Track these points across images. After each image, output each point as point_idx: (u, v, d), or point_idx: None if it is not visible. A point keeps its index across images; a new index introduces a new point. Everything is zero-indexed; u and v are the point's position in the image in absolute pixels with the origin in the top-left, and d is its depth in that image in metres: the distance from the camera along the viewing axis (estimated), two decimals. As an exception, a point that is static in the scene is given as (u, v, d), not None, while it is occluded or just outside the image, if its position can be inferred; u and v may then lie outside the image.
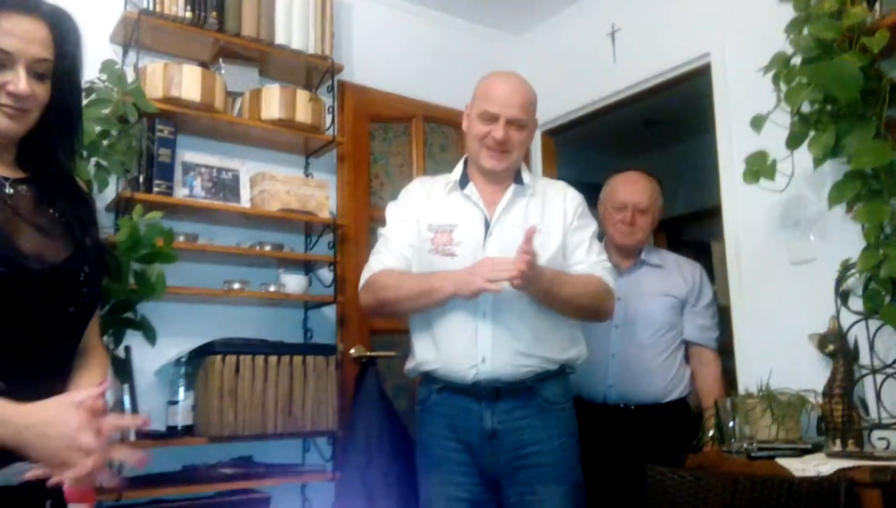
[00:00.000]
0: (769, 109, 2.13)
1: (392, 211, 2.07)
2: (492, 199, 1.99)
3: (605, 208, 2.64)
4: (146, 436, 2.28)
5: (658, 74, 3.01)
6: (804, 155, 2.11)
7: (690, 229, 5.22)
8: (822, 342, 2.15)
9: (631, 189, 2.60)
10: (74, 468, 1.07)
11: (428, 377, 1.96)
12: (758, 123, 2.13)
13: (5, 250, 1.12)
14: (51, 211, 1.25)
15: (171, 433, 2.36)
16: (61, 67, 1.22)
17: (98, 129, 2.01)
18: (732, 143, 2.61)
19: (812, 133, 2.01)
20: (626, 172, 2.70)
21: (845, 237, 2.17)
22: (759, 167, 2.18)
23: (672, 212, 4.43)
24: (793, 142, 2.07)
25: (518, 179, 2.02)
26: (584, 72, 3.31)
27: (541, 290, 1.81)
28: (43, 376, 1.18)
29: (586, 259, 1.99)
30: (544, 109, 3.33)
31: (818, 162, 2.02)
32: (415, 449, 2.04)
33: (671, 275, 2.60)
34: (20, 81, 1.16)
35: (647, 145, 5.03)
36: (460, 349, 1.86)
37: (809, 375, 2.19)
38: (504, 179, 2.00)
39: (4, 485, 1.08)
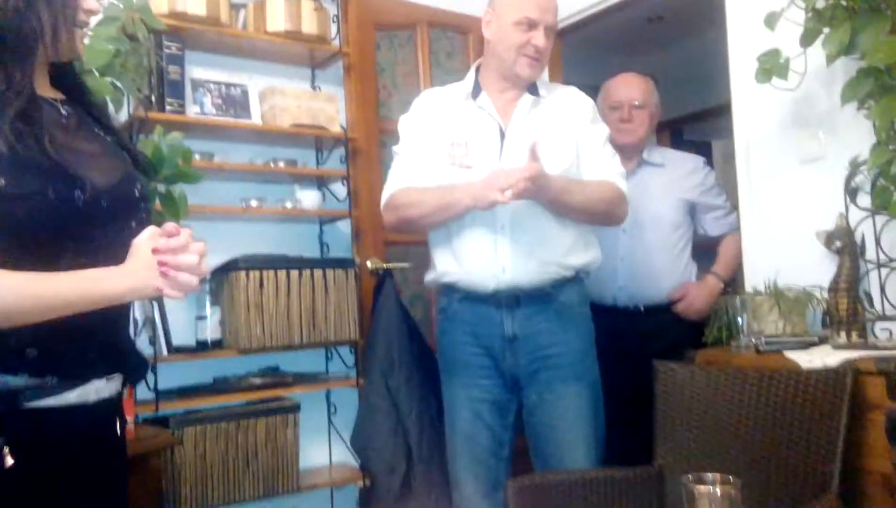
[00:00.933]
0: (782, 6, 2.10)
1: (405, 126, 2.07)
2: (505, 109, 1.99)
3: (602, 110, 2.63)
4: (178, 350, 2.38)
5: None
6: (816, 52, 2.09)
7: (692, 129, 5.21)
8: (829, 238, 2.20)
9: (625, 87, 2.64)
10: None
11: (449, 288, 2.02)
12: (771, 20, 2.10)
13: (79, 172, 1.14)
14: (96, 131, 1.27)
15: (201, 346, 2.46)
16: None
17: (111, 48, 1.99)
18: (743, 40, 2.58)
19: (826, 30, 1.99)
20: (621, 73, 2.71)
21: (855, 135, 2.18)
22: (772, 65, 2.16)
23: (675, 112, 4.41)
24: (807, 38, 2.05)
25: (532, 88, 2.02)
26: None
27: (551, 198, 1.85)
28: None
29: (599, 165, 2.01)
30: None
31: (831, 59, 2.01)
32: (433, 356, 2.13)
33: (675, 173, 2.64)
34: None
35: (651, 44, 4.94)
36: (481, 260, 1.91)
37: (816, 271, 2.25)
38: (516, 87, 2.00)
39: (82, 403, 1.14)
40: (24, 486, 1.10)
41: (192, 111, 2.52)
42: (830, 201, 2.24)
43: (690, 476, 0.80)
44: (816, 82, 2.29)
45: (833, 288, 2.14)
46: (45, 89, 1.23)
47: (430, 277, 2.08)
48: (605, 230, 2.54)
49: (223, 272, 2.44)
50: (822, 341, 2.06)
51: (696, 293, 2.59)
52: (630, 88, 2.63)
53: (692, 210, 2.65)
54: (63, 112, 1.23)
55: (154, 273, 1.12)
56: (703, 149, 4.48)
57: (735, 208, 2.66)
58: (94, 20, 1.64)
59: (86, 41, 1.35)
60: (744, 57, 2.55)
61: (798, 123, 2.42)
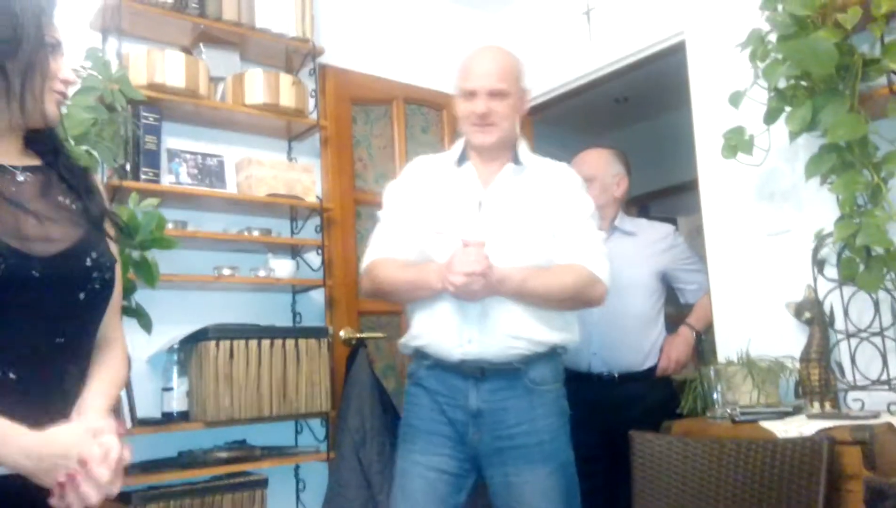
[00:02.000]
0: (744, 86, 2.19)
1: (390, 192, 2.07)
2: (488, 178, 1.98)
3: None
4: (142, 423, 2.31)
5: (634, 53, 3.07)
6: (779, 129, 2.18)
7: (659, 205, 5.33)
8: (798, 309, 2.24)
9: (577, 164, 2.65)
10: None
11: (419, 353, 1.97)
12: (736, 99, 2.20)
13: (9, 240, 1.12)
14: (59, 199, 1.26)
15: (167, 419, 2.38)
16: None
17: (88, 117, 2.00)
18: (708, 118, 2.68)
19: (788, 108, 2.08)
20: (585, 149, 2.81)
21: (819, 208, 2.25)
22: (737, 142, 2.25)
23: (642, 189, 4.52)
24: (770, 117, 2.14)
25: (515, 158, 2.00)
26: (561, 50, 3.35)
27: (511, 290, 1.82)
28: (59, 365, 1.18)
29: (575, 243, 1.95)
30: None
31: (794, 136, 2.09)
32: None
33: (647, 240, 2.70)
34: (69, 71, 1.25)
35: (618, 123, 5.12)
36: (449, 327, 1.86)
37: (787, 342, 2.29)
38: (500, 157, 1.98)
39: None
40: None
41: (168, 180, 2.51)
42: (798, 272, 2.29)
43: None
44: (780, 158, 2.38)
45: (805, 358, 2.16)
46: (8, 154, 1.22)
47: (403, 339, 2.04)
48: None
49: (192, 342, 2.39)
50: (797, 410, 2.07)
51: (671, 347, 2.62)
52: (581, 164, 2.67)
53: (665, 278, 2.69)
54: (20, 179, 1.22)
55: (60, 470, 1.06)
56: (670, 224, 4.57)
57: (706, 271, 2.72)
58: (72, 89, 1.66)
59: (63, 110, 1.35)
60: (708, 134, 2.65)
61: (764, 197, 2.50)
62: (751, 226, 2.54)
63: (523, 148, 2.03)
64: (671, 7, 2.89)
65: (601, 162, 2.75)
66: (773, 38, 2.12)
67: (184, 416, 2.40)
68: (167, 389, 2.40)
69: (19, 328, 1.13)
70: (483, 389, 1.84)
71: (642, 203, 5.19)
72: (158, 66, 2.42)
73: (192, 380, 2.41)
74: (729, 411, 2.10)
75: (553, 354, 1.93)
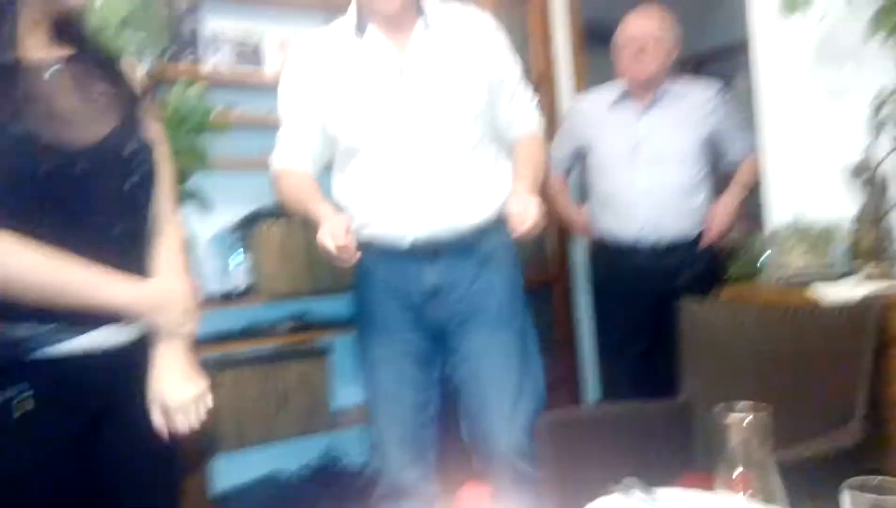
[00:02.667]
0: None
1: (285, 81, 1.85)
2: (400, 43, 1.76)
3: (617, 46, 2.64)
4: (209, 299, 2.44)
5: None
6: (842, -18, 2.06)
7: (712, 66, 5.11)
8: (855, 171, 2.20)
9: (638, 22, 2.60)
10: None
11: (362, 243, 1.76)
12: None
13: (46, 135, 1.14)
14: (90, 89, 1.25)
15: (231, 295, 2.51)
16: None
17: (128, 3, 1.99)
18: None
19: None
20: (638, 8, 2.68)
21: (881, 68, 2.15)
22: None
23: (694, 49, 4.33)
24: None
25: (422, 15, 1.78)
26: None
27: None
28: (118, 255, 1.22)
29: (518, 110, 1.89)
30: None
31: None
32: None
33: (691, 105, 2.62)
34: None
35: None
36: (395, 214, 1.76)
37: (841, 206, 2.25)
38: (406, 19, 1.76)
39: (93, 350, 1.17)
40: (47, 433, 1.14)
41: (209, 63, 2.51)
42: (855, 134, 2.22)
43: (722, 405, 0.83)
44: (841, 15, 2.25)
45: (858, 221, 2.14)
46: (36, 48, 1.21)
47: None
48: (622, 163, 2.55)
49: (250, 222, 2.48)
50: (848, 274, 2.07)
51: (713, 215, 2.60)
52: (643, 22, 2.59)
53: (711, 141, 2.63)
54: (49, 73, 1.20)
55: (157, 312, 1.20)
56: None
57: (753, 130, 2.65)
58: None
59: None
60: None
61: (823, 56, 2.38)
62: (808, 86, 2.44)
63: (428, 2, 1.81)
64: None
65: (664, 25, 2.63)
66: None
67: (246, 292, 2.52)
68: (230, 266, 2.51)
69: (74, 223, 1.17)
70: (437, 267, 1.79)
71: (697, 62, 4.98)
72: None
73: (253, 258, 2.51)
74: (778, 275, 2.12)
75: (503, 227, 1.77)
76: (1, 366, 1.11)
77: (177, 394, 1.21)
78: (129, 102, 1.29)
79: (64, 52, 1.25)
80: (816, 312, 1.83)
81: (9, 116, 1.11)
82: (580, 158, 2.77)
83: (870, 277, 2.01)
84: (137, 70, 1.42)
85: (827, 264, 2.16)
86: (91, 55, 1.29)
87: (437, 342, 1.84)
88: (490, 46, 1.84)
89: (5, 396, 1.11)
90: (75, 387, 1.16)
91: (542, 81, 3.34)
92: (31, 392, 1.12)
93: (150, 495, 1.28)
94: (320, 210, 1.68)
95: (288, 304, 2.61)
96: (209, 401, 1.27)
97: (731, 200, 2.64)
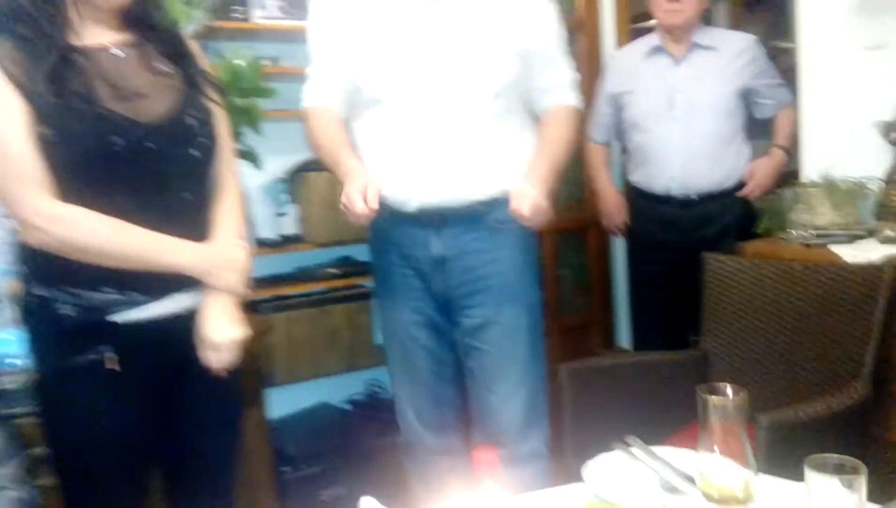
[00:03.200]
0: None
1: (312, 15, 1.80)
2: None
3: None
4: (261, 244, 2.62)
5: None
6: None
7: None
8: (887, 129, 2.22)
9: None
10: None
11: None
12: None
13: (122, 117, 1.27)
14: (156, 66, 1.38)
15: (282, 240, 2.69)
16: None
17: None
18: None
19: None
20: None
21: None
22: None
23: None
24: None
25: None
26: None
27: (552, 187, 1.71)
28: (190, 218, 1.38)
29: (552, 80, 1.83)
30: None
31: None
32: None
33: (727, 56, 2.60)
34: None
35: None
36: (403, 176, 1.71)
37: (873, 162, 2.28)
38: None
39: (169, 314, 1.35)
40: (130, 390, 1.32)
41: (258, 15, 2.60)
42: (892, 90, 2.24)
43: (703, 387, 0.96)
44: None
45: (888, 180, 2.18)
46: (99, 32, 1.33)
47: None
48: (657, 120, 2.60)
49: (299, 172, 2.62)
50: (871, 234, 2.13)
51: (758, 170, 2.61)
52: None
53: (745, 93, 2.63)
54: (114, 55, 1.33)
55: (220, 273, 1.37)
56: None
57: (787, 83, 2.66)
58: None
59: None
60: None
61: (864, 8, 2.37)
62: (846, 40, 2.43)
63: None
64: None
65: None
66: None
67: (297, 238, 2.69)
68: (280, 214, 2.68)
69: (143, 193, 1.31)
70: (444, 235, 1.73)
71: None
72: None
73: (301, 206, 2.67)
74: (803, 232, 2.18)
75: None
76: (85, 329, 1.30)
77: (222, 335, 1.37)
78: (192, 76, 1.42)
79: (133, 34, 1.38)
80: (834, 271, 1.90)
81: (80, 97, 1.25)
82: (619, 113, 2.77)
83: (891, 237, 2.07)
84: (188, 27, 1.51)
85: (851, 224, 2.21)
86: (158, 34, 1.41)
87: (448, 311, 1.81)
88: (529, 11, 1.76)
89: (91, 356, 1.30)
90: (151, 348, 1.33)
91: (582, 26, 3.34)
92: (113, 353, 1.30)
93: (219, 431, 1.50)
94: (349, 165, 1.66)
95: (334, 250, 2.78)
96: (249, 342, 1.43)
97: (772, 162, 2.64)
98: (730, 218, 2.57)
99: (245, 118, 2.12)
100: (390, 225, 1.75)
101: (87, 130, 1.25)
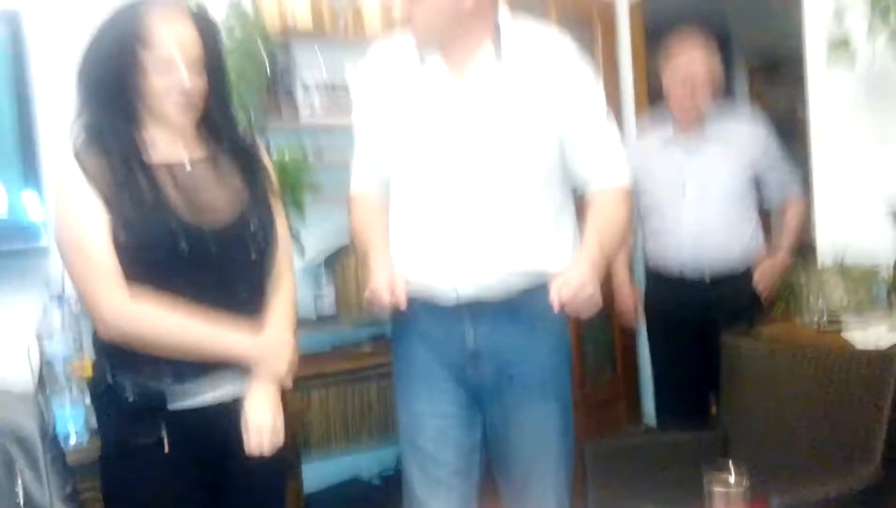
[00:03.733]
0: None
1: (358, 89, 1.77)
2: (461, 66, 1.58)
3: (666, 74, 2.72)
4: (301, 324, 2.77)
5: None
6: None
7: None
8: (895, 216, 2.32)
9: (690, 63, 2.65)
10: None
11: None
12: (840, 14, 2.20)
13: (190, 223, 1.41)
14: (226, 175, 1.51)
15: (320, 320, 2.84)
16: (212, 60, 1.49)
17: (234, 73, 2.30)
18: (820, 18, 2.63)
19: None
20: (687, 37, 2.73)
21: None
22: (840, 52, 2.28)
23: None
24: (871, 32, 2.15)
25: (496, 35, 1.57)
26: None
27: (603, 270, 1.58)
28: (244, 315, 1.50)
29: (597, 162, 1.65)
30: None
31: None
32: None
33: (738, 143, 2.69)
34: (186, 80, 1.42)
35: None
36: (440, 266, 1.61)
37: (885, 248, 2.37)
38: (474, 32, 1.56)
39: (219, 402, 1.47)
40: (182, 469, 1.44)
41: (305, 112, 2.82)
42: (899, 179, 2.35)
43: (709, 467, 1.07)
44: (890, 62, 2.36)
45: (897, 266, 2.27)
46: (176, 148, 1.48)
47: None
48: (670, 201, 2.72)
49: (336, 256, 2.80)
50: (883, 319, 2.21)
51: (770, 277, 2.69)
52: (695, 65, 2.66)
53: (756, 180, 2.72)
54: (188, 171, 1.47)
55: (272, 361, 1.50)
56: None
57: (796, 173, 2.76)
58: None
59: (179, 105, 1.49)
60: (818, 39, 2.61)
61: (872, 102, 2.50)
62: (857, 129, 2.56)
63: (504, 17, 1.60)
64: None
65: (714, 61, 2.72)
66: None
67: (333, 318, 2.84)
68: (319, 295, 2.84)
69: (207, 293, 1.43)
70: (481, 327, 1.62)
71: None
72: (288, 8, 2.69)
73: (338, 287, 2.83)
74: (816, 317, 2.27)
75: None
76: (145, 414, 1.43)
77: (266, 421, 1.48)
78: (259, 182, 1.56)
79: (208, 146, 1.53)
80: (846, 357, 1.99)
81: (155, 209, 1.41)
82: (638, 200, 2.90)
83: (902, 323, 2.15)
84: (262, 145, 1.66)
85: (865, 308, 2.30)
86: (231, 146, 1.55)
87: (479, 405, 1.70)
88: (569, 87, 1.60)
89: (148, 438, 1.43)
90: (202, 432, 1.46)
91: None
92: (168, 436, 1.43)
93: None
94: (377, 256, 1.64)
95: (368, 327, 2.92)
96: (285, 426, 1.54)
97: (778, 265, 2.71)
98: (744, 299, 2.65)
99: (292, 209, 2.30)
100: (419, 315, 1.63)
101: (158, 238, 1.41)
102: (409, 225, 1.65)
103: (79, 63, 1.45)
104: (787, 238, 2.76)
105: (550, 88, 1.57)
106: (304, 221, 2.22)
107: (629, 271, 2.92)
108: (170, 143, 1.49)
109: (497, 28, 1.57)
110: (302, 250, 2.41)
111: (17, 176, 2.19)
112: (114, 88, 1.43)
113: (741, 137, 2.74)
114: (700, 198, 2.68)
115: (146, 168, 1.44)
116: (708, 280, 2.68)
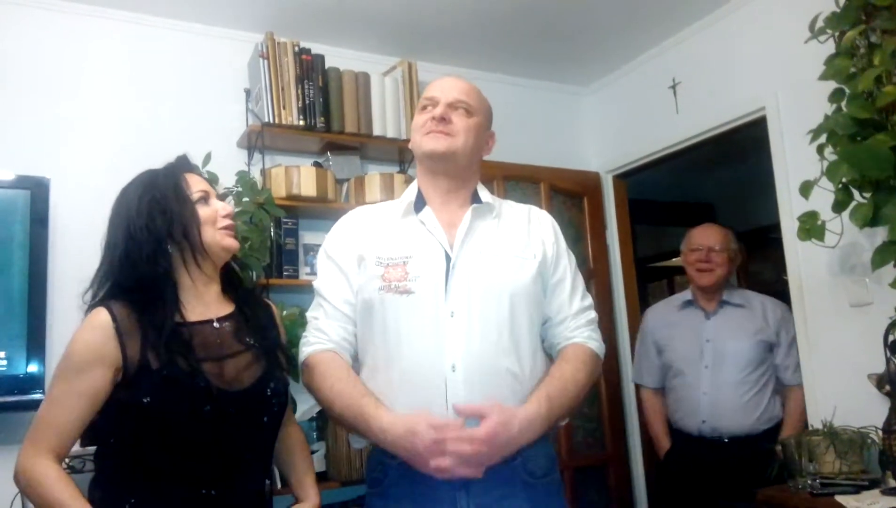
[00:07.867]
0: (815, 176, 2.34)
1: (324, 254, 1.75)
2: (451, 223, 1.69)
3: (684, 254, 2.98)
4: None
5: (719, 125, 3.24)
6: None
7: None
8: (879, 382, 2.36)
9: (704, 233, 2.96)
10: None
11: (383, 451, 1.57)
12: (805, 189, 2.35)
13: (215, 383, 1.43)
14: (247, 339, 1.55)
15: (311, 478, 2.80)
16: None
17: (242, 237, 2.44)
18: (791, 195, 2.79)
19: (854, 202, 2.23)
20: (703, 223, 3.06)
21: (897, 286, 2.37)
22: (810, 226, 2.41)
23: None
24: (837, 208, 2.29)
25: (476, 198, 1.75)
26: (650, 122, 3.57)
27: (540, 432, 1.56)
28: (249, 475, 1.51)
29: (569, 310, 1.71)
30: (613, 156, 3.53)
31: (860, 227, 2.24)
32: None
33: (756, 314, 2.85)
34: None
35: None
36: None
37: (873, 411, 2.40)
38: (462, 200, 1.73)
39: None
40: None
41: (305, 272, 2.94)
42: (880, 344, 2.40)
43: None
44: (860, 233, 2.50)
45: (887, 430, 2.28)
46: (211, 305, 1.55)
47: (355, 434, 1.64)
48: (688, 365, 2.82)
49: (323, 416, 2.80)
50: (874, 483, 2.21)
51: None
52: (709, 234, 2.95)
53: (772, 349, 2.82)
54: (216, 327, 1.51)
55: None
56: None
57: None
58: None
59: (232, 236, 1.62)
60: (792, 209, 2.77)
61: (846, 269, 2.62)
62: (835, 297, 2.66)
63: (483, 190, 1.79)
64: (752, 83, 3.04)
65: (727, 237, 2.97)
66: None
67: (323, 475, 2.80)
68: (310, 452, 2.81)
69: (217, 453, 1.45)
70: (474, 490, 1.52)
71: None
72: (294, 179, 2.88)
73: (328, 445, 2.81)
74: (809, 482, 2.26)
75: (545, 438, 1.63)
76: None
77: None
78: (275, 350, 1.60)
79: (229, 306, 1.59)
80: (839, 525, 1.97)
81: (185, 372, 1.41)
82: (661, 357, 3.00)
83: (892, 489, 2.14)
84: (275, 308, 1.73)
85: (856, 473, 2.29)
86: (252, 307, 1.62)
87: None
88: (545, 239, 1.74)
89: None
90: None
91: (594, 274, 3.66)
92: None
93: None
94: (380, 414, 1.50)
95: (358, 487, 2.87)
96: None
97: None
98: (760, 462, 2.62)
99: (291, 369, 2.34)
100: (403, 479, 1.54)
101: (186, 402, 1.40)
102: (394, 382, 1.57)
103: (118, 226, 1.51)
104: (790, 428, 2.77)
105: (524, 241, 1.71)
106: (298, 378, 2.26)
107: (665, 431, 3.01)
108: (201, 300, 1.55)
109: (476, 194, 1.76)
110: (294, 405, 2.42)
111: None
112: (156, 246, 1.49)
113: (761, 307, 2.87)
114: (717, 359, 2.79)
115: (181, 326, 1.47)
116: (727, 440, 2.73)
